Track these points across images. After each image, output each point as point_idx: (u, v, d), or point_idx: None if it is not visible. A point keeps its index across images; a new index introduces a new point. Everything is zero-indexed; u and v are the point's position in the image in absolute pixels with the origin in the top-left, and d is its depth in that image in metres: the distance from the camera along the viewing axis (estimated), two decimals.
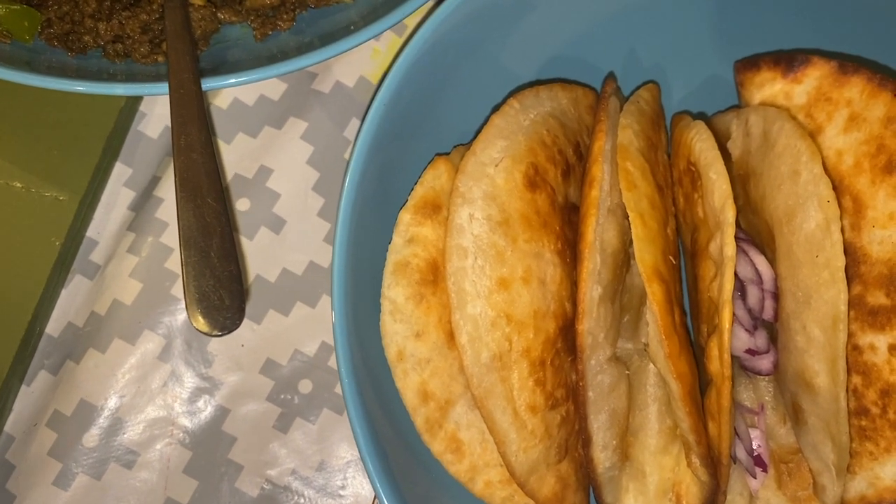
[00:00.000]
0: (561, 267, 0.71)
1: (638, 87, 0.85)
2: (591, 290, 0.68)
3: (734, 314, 0.78)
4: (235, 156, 0.92)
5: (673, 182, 0.84)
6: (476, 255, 0.67)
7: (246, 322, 0.87)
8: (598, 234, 0.68)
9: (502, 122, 0.72)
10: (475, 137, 0.81)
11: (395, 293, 0.72)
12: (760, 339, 0.81)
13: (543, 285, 0.70)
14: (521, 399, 0.68)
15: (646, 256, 0.67)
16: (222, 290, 0.68)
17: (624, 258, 0.74)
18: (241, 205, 0.90)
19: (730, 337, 0.69)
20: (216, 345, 0.86)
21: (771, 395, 0.82)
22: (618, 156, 0.71)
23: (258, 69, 0.82)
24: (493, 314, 0.67)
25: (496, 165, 0.70)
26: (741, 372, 0.83)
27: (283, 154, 0.92)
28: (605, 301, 0.70)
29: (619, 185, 0.71)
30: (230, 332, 0.68)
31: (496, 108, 0.74)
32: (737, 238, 0.78)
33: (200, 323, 0.68)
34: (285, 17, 0.90)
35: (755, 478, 0.79)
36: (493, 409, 0.67)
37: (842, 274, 0.70)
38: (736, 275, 0.78)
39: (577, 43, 0.89)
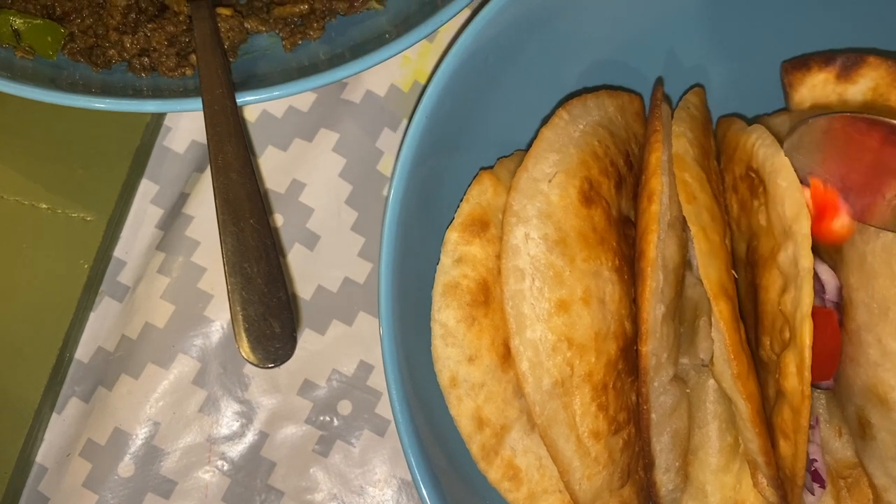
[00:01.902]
0: (619, 284, 0.68)
1: (685, 92, 0.82)
2: (655, 309, 0.65)
3: None
4: (266, 170, 0.89)
5: (725, 188, 0.82)
6: (534, 276, 0.64)
7: None
8: (659, 250, 0.65)
9: (552, 135, 0.69)
10: (521, 149, 0.78)
11: (446, 316, 0.69)
12: None
13: (603, 305, 0.67)
14: (584, 425, 0.65)
15: (711, 272, 0.64)
16: (272, 317, 0.65)
17: (683, 272, 0.71)
18: (274, 221, 0.87)
19: (810, 354, 0.66)
20: (252, 367, 0.83)
21: (824, 407, 0.80)
22: (675, 166, 0.68)
23: (291, 83, 0.79)
24: (553, 338, 0.64)
25: (549, 181, 0.67)
26: None
27: (315, 167, 0.89)
28: (667, 319, 0.67)
29: (677, 198, 0.68)
30: (282, 362, 0.65)
31: (545, 120, 0.71)
32: None
33: (251, 354, 0.64)
34: (315, 25, 0.86)
35: (813, 494, 0.76)
36: (557, 437, 0.64)
37: None
38: None
39: (618, 46, 0.86)
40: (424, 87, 0.73)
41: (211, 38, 0.77)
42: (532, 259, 0.65)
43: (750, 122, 0.88)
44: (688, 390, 0.73)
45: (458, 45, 0.75)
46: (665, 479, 0.71)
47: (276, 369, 0.84)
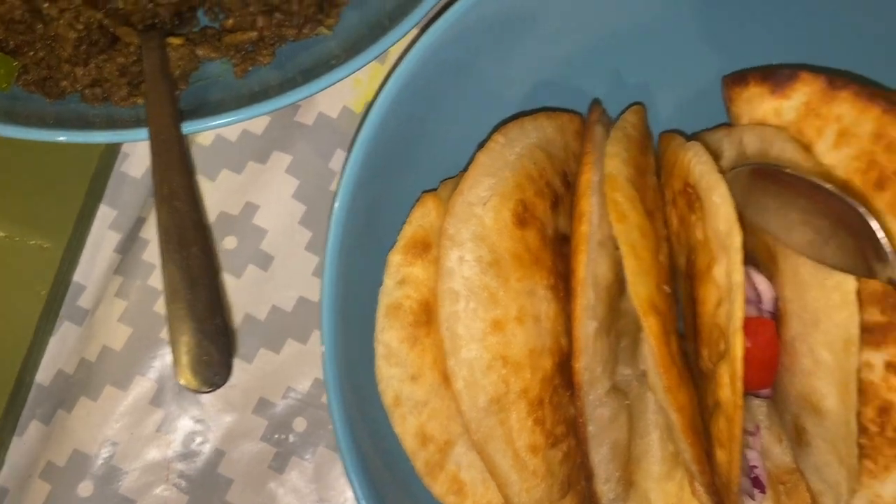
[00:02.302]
0: (555, 302, 0.71)
1: (624, 110, 0.85)
2: (586, 326, 0.67)
3: None
4: (220, 193, 0.91)
5: (665, 203, 0.84)
6: (468, 298, 0.67)
7: (237, 362, 0.86)
8: (589, 269, 0.68)
9: (487, 160, 0.71)
10: (462, 172, 0.80)
11: (389, 337, 0.71)
12: None
13: (538, 323, 0.69)
14: (520, 440, 0.68)
15: (640, 290, 0.66)
16: (209, 344, 0.67)
17: (618, 288, 0.73)
18: (228, 243, 0.89)
19: (742, 366, 0.69)
20: None
21: (765, 414, 0.82)
22: (606, 187, 0.71)
23: (241, 109, 0.81)
24: (488, 357, 0.67)
25: (484, 205, 0.69)
26: None
27: (269, 189, 0.91)
28: (600, 335, 0.69)
29: (608, 217, 0.70)
30: (218, 387, 0.67)
31: (481, 145, 0.73)
32: None
33: (188, 380, 0.67)
34: (264, 52, 0.88)
35: (753, 499, 0.79)
36: (494, 452, 0.67)
37: (853, 297, 0.69)
38: None
39: (562, 67, 0.88)
40: (366, 112, 0.75)
41: (158, 69, 0.79)
42: (466, 281, 0.67)
43: (692, 137, 0.90)
44: (627, 402, 0.75)
45: (400, 69, 0.77)
46: (606, 490, 0.73)
47: (233, 388, 0.86)
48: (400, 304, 0.72)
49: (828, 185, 0.68)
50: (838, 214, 0.68)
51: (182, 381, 0.67)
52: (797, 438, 0.77)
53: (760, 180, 0.74)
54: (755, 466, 0.81)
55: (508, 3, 0.83)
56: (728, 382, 0.69)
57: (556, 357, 0.70)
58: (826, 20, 0.88)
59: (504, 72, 0.86)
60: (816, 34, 0.90)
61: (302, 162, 0.91)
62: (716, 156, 0.85)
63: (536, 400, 0.68)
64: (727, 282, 0.70)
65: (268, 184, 0.91)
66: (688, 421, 0.67)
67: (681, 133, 0.90)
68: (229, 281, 0.88)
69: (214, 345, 0.67)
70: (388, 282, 0.73)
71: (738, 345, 0.68)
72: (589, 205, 0.69)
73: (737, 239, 0.70)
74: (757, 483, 0.80)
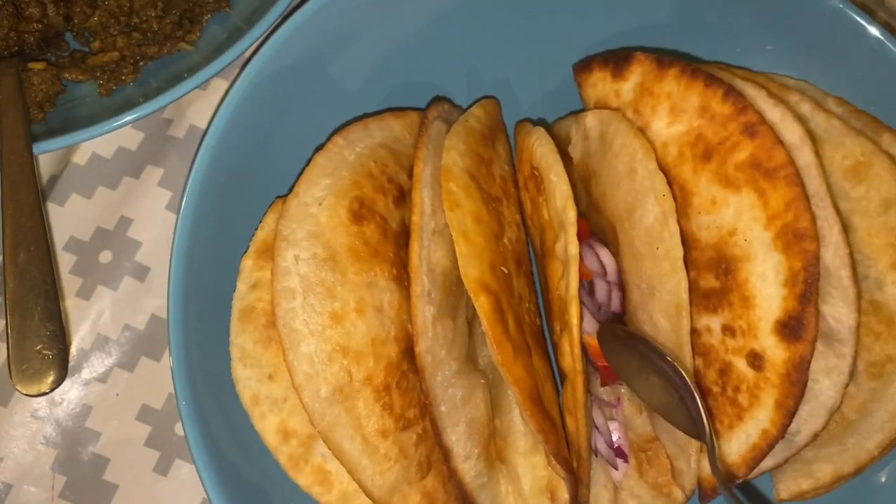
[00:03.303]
0: (399, 291, 0.74)
1: (472, 104, 0.88)
2: (424, 311, 0.70)
3: (585, 307, 0.81)
4: (96, 209, 0.93)
5: (520, 188, 0.87)
6: (305, 294, 0.70)
7: (118, 371, 0.89)
8: (423, 257, 0.71)
9: (325, 161, 0.74)
10: None
11: (243, 339, 0.74)
12: None
13: (380, 313, 0.72)
14: (369, 426, 0.71)
15: (470, 271, 0.70)
16: (45, 349, 0.70)
17: (458, 273, 0.76)
18: (104, 257, 0.91)
19: (579, 332, 0.72)
20: (92, 397, 0.88)
21: (626, 387, 0.86)
22: (441, 178, 0.74)
23: (95, 126, 0.84)
24: (328, 349, 0.69)
25: (320, 204, 0.72)
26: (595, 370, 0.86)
27: (143, 202, 0.93)
28: (441, 318, 0.72)
29: (443, 207, 0.73)
30: (52, 391, 0.70)
31: (319, 147, 0.76)
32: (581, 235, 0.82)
33: (23, 384, 0.70)
34: (126, 70, 0.91)
35: (617, 469, 0.82)
36: (341, 439, 0.70)
37: (681, 263, 0.73)
38: (586, 269, 0.82)
39: (420, 68, 0.91)
40: (209, 123, 0.78)
41: (14, 93, 0.81)
42: (302, 278, 0.70)
43: (552, 125, 0.94)
44: (483, 381, 0.78)
45: (241, 78, 0.80)
46: (466, 467, 0.76)
47: (116, 397, 0.88)
48: (253, 307, 0.74)
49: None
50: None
51: (18, 386, 0.70)
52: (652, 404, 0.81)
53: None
54: (618, 437, 0.84)
55: (356, 10, 0.86)
56: (568, 350, 0.72)
57: (403, 343, 0.73)
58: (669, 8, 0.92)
59: (358, 75, 0.88)
60: (663, 20, 0.95)
61: (174, 174, 0.94)
62: (567, 140, 0.89)
63: (382, 386, 0.71)
64: (565, 255, 0.74)
65: (141, 197, 0.93)
66: (527, 393, 0.70)
67: (535, 122, 0.93)
68: (106, 294, 0.90)
69: (50, 349, 0.70)
70: (241, 286, 0.75)
71: (573, 313, 0.72)
72: (419, 196, 0.72)
73: (571, 213, 0.74)
74: (620, 452, 0.84)
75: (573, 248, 0.73)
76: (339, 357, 0.69)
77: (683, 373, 0.70)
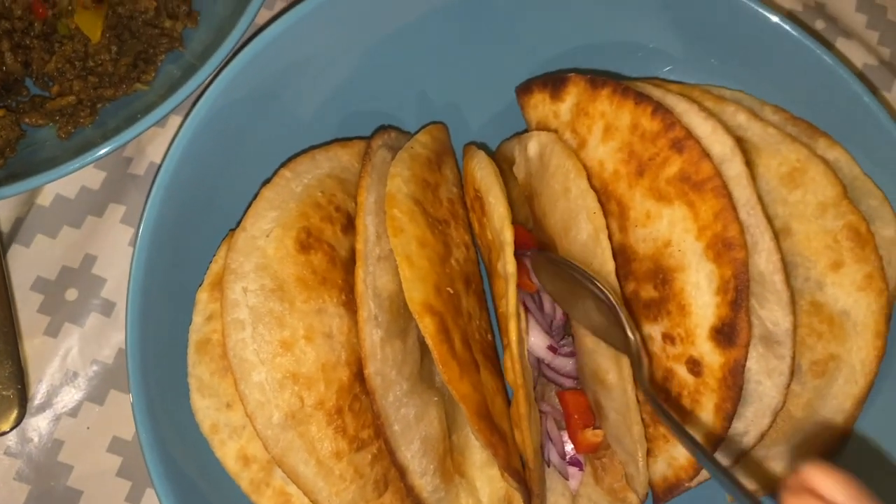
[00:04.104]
0: (349, 317, 0.76)
1: (418, 130, 0.90)
2: (371, 334, 0.73)
3: (536, 321, 0.84)
4: (62, 249, 0.96)
5: (468, 210, 0.90)
6: (254, 324, 0.72)
7: (88, 405, 0.91)
8: (368, 283, 0.74)
9: (272, 194, 0.77)
10: None
11: (201, 370, 0.76)
12: (562, 342, 0.87)
13: (330, 338, 0.75)
14: (323, 448, 0.73)
15: (414, 294, 0.72)
16: (4, 390, 0.73)
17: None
18: (70, 295, 0.94)
19: (519, 348, 0.75)
20: (63, 432, 0.90)
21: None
22: (386, 204, 0.77)
23: (59, 167, 0.87)
24: (279, 376, 0.72)
25: (267, 236, 0.74)
26: (549, 382, 0.89)
27: (106, 240, 0.96)
28: (390, 341, 0.75)
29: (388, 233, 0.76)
30: (12, 429, 0.73)
31: (267, 181, 0.79)
32: (526, 252, 0.84)
33: None
34: (83, 113, 0.94)
35: (569, 479, 0.85)
36: (295, 463, 0.72)
37: (613, 277, 0.76)
38: (530, 283, 0.84)
39: (371, 97, 0.94)
40: (162, 160, 0.80)
41: None
42: (251, 309, 0.72)
43: (499, 146, 0.97)
44: (437, 399, 0.81)
45: (193, 114, 0.82)
46: (424, 482, 0.78)
47: (87, 430, 0.91)
48: (209, 338, 0.77)
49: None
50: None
51: None
52: (598, 414, 0.84)
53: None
54: (572, 446, 0.87)
55: (304, 43, 0.88)
56: (510, 366, 0.75)
57: (355, 367, 0.76)
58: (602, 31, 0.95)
59: (309, 107, 0.91)
60: (606, 40, 0.97)
61: (136, 211, 0.97)
62: (511, 161, 0.92)
63: (335, 409, 0.74)
64: (505, 273, 0.76)
65: (105, 235, 0.96)
66: (474, 408, 0.73)
67: (478, 144, 0.96)
68: (73, 330, 0.93)
69: (8, 391, 0.73)
70: (197, 319, 0.78)
71: (512, 329, 0.74)
72: (363, 224, 0.75)
73: (507, 234, 0.77)
74: (574, 461, 0.86)
75: (511, 266, 0.76)
76: (290, 384, 0.72)
77: (608, 291, 0.73)
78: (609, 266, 0.76)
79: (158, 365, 0.77)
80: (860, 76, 1.09)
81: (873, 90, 1.09)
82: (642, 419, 0.80)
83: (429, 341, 0.71)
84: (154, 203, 0.78)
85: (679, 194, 0.76)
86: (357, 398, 0.75)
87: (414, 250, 0.74)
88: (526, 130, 0.94)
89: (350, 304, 0.77)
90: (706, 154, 0.76)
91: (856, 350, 0.82)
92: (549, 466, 0.85)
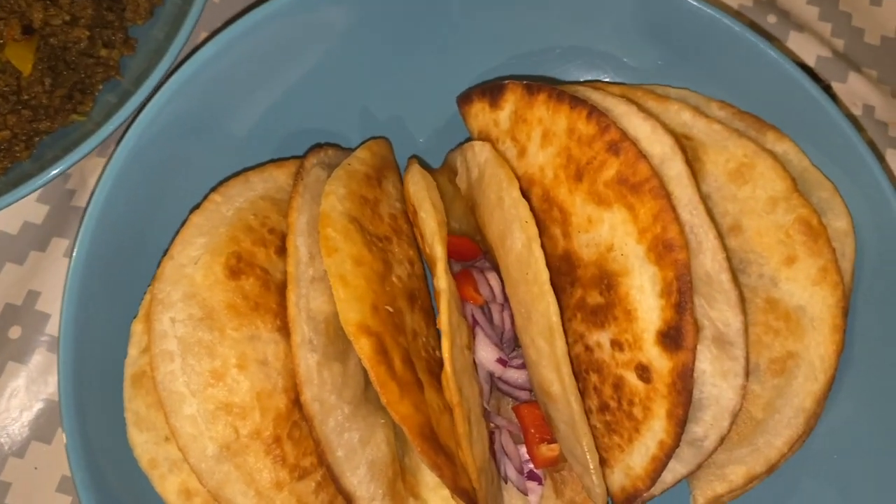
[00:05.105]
0: (284, 342, 0.74)
1: (358, 146, 0.89)
2: (306, 359, 0.71)
3: (486, 335, 0.82)
4: (4, 286, 0.94)
5: (412, 224, 0.88)
6: (183, 355, 0.70)
7: (36, 444, 0.89)
8: (301, 306, 0.72)
9: (201, 220, 0.75)
10: None
11: (137, 404, 0.74)
12: (512, 354, 0.85)
13: (265, 365, 0.73)
14: (262, 479, 0.71)
15: (350, 315, 0.70)
16: None
17: None
18: (13, 333, 0.92)
19: (452, 367, 0.73)
20: (10, 474, 0.88)
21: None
22: (319, 224, 0.75)
23: None
24: (211, 407, 0.70)
25: (195, 263, 0.73)
26: (504, 395, 0.87)
27: (49, 274, 0.94)
28: (328, 364, 0.73)
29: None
30: None
31: (196, 207, 0.77)
32: (474, 262, 0.83)
33: None
34: (18, 148, 0.92)
35: (529, 494, 0.83)
36: (233, 495, 0.70)
37: (548, 286, 0.74)
38: (476, 295, 0.82)
39: (311, 114, 0.92)
40: (93, 190, 0.78)
41: None
42: (180, 340, 0.70)
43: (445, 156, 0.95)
44: (384, 421, 0.79)
45: (123, 142, 0.80)
46: None
47: (35, 470, 0.89)
48: (144, 371, 0.75)
49: None
50: None
51: None
52: (551, 426, 0.81)
53: None
54: (529, 461, 0.85)
55: (240, 63, 0.87)
56: (446, 384, 0.73)
57: (293, 393, 0.74)
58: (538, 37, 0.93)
59: (246, 128, 0.89)
60: (550, 44, 0.96)
61: None
62: (455, 172, 0.90)
63: (272, 438, 0.71)
64: (437, 288, 0.75)
65: (48, 269, 0.94)
66: (416, 430, 0.71)
67: (418, 158, 0.94)
68: (16, 369, 0.91)
69: None
70: (132, 351, 0.76)
71: (445, 347, 0.72)
72: (293, 245, 0.73)
73: (439, 249, 0.75)
74: (533, 476, 0.84)
75: (443, 282, 0.74)
76: (223, 414, 0.70)
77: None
78: (543, 276, 0.74)
79: (95, 401, 0.75)
80: (814, 69, 1.07)
81: (828, 82, 1.07)
82: (595, 427, 0.78)
83: (365, 363, 0.69)
84: (86, 233, 0.76)
85: (618, 197, 0.74)
86: (297, 425, 0.73)
87: (349, 269, 0.73)
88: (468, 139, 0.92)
89: (286, 330, 0.74)
90: (643, 155, 0.74)
91: (814, 346, 0.81)
92: (506, 483, 0.82)
